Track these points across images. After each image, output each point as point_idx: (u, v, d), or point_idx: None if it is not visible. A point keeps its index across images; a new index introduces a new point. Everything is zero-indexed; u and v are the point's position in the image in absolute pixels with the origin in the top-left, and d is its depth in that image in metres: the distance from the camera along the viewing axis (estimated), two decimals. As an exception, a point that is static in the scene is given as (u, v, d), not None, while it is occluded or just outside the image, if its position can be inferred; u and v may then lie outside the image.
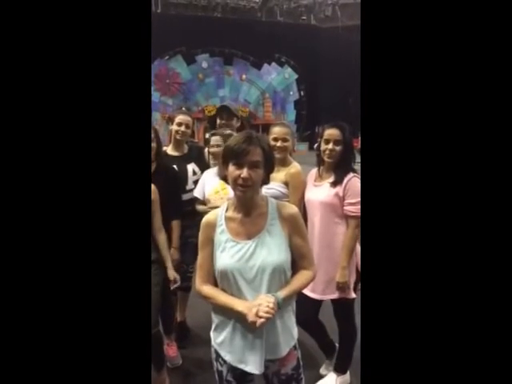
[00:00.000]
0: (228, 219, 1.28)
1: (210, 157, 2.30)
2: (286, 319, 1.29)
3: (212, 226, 1.29)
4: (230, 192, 2.13)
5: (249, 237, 1.24)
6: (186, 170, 2.41)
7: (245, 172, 1.18)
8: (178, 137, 2.40)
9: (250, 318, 1.13)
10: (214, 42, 13.40)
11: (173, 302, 2.44)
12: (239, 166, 1.19)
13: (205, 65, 13.93)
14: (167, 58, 12.76)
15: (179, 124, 2.39)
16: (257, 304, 1.15)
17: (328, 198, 1.88)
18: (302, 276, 1.29)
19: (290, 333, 1.30)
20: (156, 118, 11.18)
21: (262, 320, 1.12)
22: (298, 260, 1.29)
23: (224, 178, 1.29)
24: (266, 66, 15.15)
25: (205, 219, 1.32)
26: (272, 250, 1.22)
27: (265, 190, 1.80)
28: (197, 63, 14.22)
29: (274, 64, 15.27)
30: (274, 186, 2.04)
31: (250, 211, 1.27)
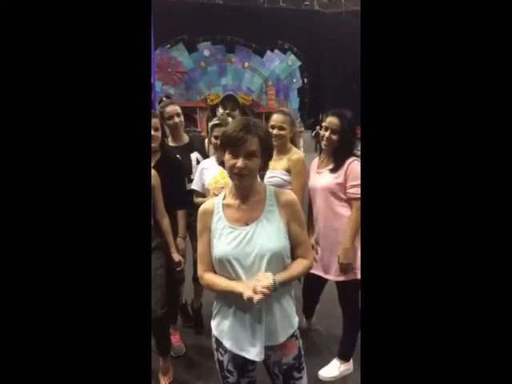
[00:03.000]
0: (225, 206, 1.28)
1: (212, 147, 2.25)
2: (286, 307, 1.28)
3: (209, 214, 1.28)
4: (229, 180, 2.12)
5: (246, 223, 1.23)
6: (189, 160, 2.39)
7: (240, 162, 1.17)
8: (174, 129, 2.37)
9: (247, 294, 1.12)
10: (215, 30, 13.23)
11: (178, 290, 2.45)
12: (235, 155, 1.18)
13: (207, 53, 13.79)
14: (169, 46, 12.64)
15: (170, 117, 2.34)
16: (255, 280, 1.15)
17: (329, 183, 1.90)
18: (299, 264, 1.28)
19: (289, 320, 1.29)
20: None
21: (260, 296, 1.11)
22: (295, 248, 1.28)
23: (222, 164, 1.29)
24: (268, 53, 14.98)
25: (202, 207, 1.32)
26: (271, 237, 1.21)
27: (267, 179, 1.79)
28: (198, 51, 14.07)
29: (276, 51, 15.09)
30: (277, 174, 2.04)
31: (247, 198, 1.26)
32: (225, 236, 1.23)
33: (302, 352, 1.35)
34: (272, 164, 1.94)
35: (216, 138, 2.11)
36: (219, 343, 1.31)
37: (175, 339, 2.37)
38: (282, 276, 1.20)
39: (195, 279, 2.52)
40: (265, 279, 1.15)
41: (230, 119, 2.24)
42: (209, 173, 2.17)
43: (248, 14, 13.66)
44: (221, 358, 1.33)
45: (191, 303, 2.68)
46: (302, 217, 1.31)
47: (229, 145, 1.19)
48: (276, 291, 1.18)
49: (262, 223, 1.23)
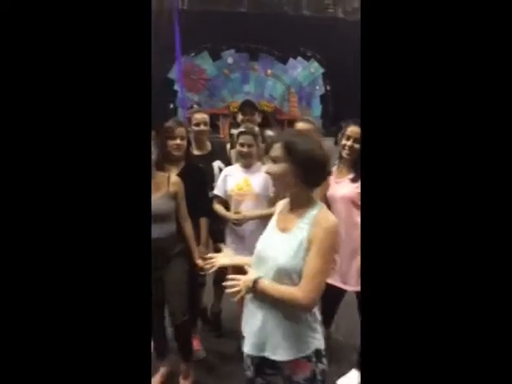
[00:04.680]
0: (282, 210, 1.36)
1: (238, 155, 2.26)
2: (295, 330, 1.25)
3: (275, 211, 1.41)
4: (253, 188, 2.15)
5: (282, 230, 1.28)
6: (211, 169, 2.44)
7: (267, 167, 1.28)
8: (199, 136, 2.42)
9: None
10: (239, 38, 13.38)
11: (199, 294, 2.49)
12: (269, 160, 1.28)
13: (230, 60, 13.95)
14: (193, 54, 12.89)
15: (197, 124, 2.40)
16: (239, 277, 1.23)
17: (350, 193, 1.90)
18: (288, 290, 1.19)
19: (298, 343, 1.25)
20: (180, 114, 11.32)
21: (231, 285, 1.22)
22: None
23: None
24: (291, 60, 14.97)
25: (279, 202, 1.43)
26: (287, 252, 1.21)
27: None
28: (222, 59, 14.27)
29: (299, 58, 15.06)
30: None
31: (293, 208, 1.30)
32: (267, 233, 1.33)
33: (319, 378, 1.29)
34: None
35: (242, 145, 2.15)
36: (242, 335, 1.38)
37: (195, 343, 2.42)
38: (263, 283, 1.21)
39: (216, 283, 2.56)
40: (250, 275, 1.25)
41: (256, 128, 2.28)
42: (232, 179, 2.21)
43: (272, 22, 13.74)
44: (243, 349, 1.38)
45: (211, 307, 2.71)
46: (328, 248, 1.19)
47: (266, 151, 1.31)
48: (251, 291, 1.23)
49: (290, 236, 1.24)
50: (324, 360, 1.30)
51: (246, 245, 2.10)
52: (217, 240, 2.31)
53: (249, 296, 1.31)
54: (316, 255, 1.17)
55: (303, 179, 1.23)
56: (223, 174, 2.27)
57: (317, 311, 1.30)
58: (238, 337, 1.42)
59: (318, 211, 1.25)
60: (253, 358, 1.35)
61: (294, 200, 1.30)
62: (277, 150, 1.23)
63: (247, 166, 2.20)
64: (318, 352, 1.28)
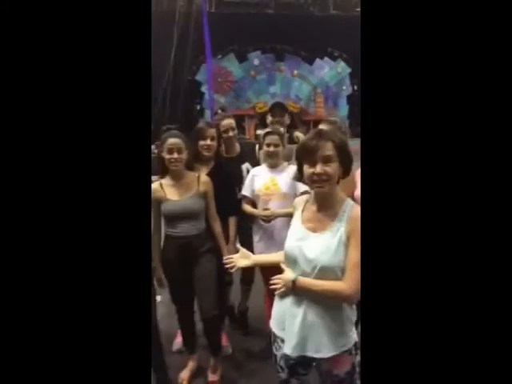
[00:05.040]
0: (306, 208, 1.35)
1: (265, 155, 2.29)
2: (335, 324, 1.27)
3: (295, 209, 1.41)
4: (280, 187, 2.18)
5: (314, 230, 1.28)
6: (240, 171, 2.47)
7: (318, 168, 1.20)
8: (227, 141, 2.45)
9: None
10: (266, 39, 13.42)
11: (226, 292, 2.55)
12: (312, 162, 1.21)
13: (256, 62, 14.00)
14: (220, 57, 13.01)
15: (225, 131, 2.40)
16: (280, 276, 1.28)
17: None
18: (330, 283, 1.22)
19: (338, 338, 1.27)
20: (206, 116, 11.47)
21: (276, 285, 1.28)
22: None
23: (300, 180, 1.34)
24: (318, 60, 14.89)
25: (295, 201, 1.45)
26: (328, 250, 1.23)
27: (303, 186, 1.84)
28: (249, 61, 14.35)
29: (326, 58, 14.97)
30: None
31: (323, 207, 1.29)
32: (295, 233, 1.32)
33: (358, 369, 1.32)
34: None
35: (268, 145, 2.19)
36: (275, 337, 1.39)
37: (223, 340, 2.46)
38: (303, 281, 1.24)
39: (243, 281, 2.61)
40: (287, 274, 1.28)
41: (282, 128, 2.31)
42: (259, 179, 2.24)
43: (298, 23, 13.72)
44: (275, 352, 1.40)
45: (238, 305, 2.76)
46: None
47: (305, 154, 1.24)
48: (293, 289, 1.26)
49: (326, 235, 1.25)
50: (359, 351, 1.31)
51: (275, 241, 2.14)
52: (245, 239, 2.35)
53: (284, 298, 1.33)
54: (356, 248, 1.19)
55: (342, 177, 1.26)
56: (251, 174, 2.31)
57: (345, 310, 1.30)
58: (264, 334, 1.46)
59: (350, 207, 1.27)
60: (287, 359, 1.36)
61: (325, 198, 1.28)
62: (328, 149, 1.21)
63: (274, 166, 2.23)
64: (355, 344, 1.31)
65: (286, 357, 1.35)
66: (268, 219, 2.15)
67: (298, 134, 2.34)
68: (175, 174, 2.02)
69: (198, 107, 12.77)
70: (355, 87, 16.56)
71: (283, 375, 1.41)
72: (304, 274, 1.26)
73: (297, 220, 1.36)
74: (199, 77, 12.52)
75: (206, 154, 2.17)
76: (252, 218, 2.29)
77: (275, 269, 1.90)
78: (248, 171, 2.43)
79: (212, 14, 11.43)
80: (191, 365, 2.24)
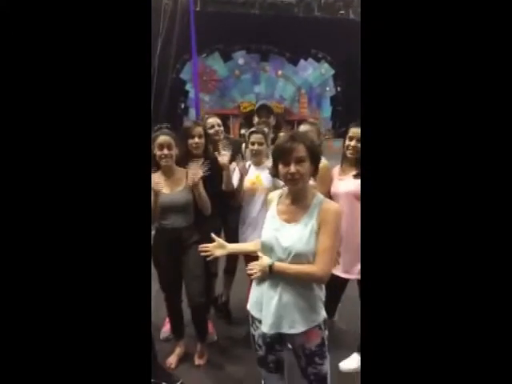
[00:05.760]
0: (280, 202, 1.51)
1: (249, 153, 2.44)
2: (307, 302, 1.44)
3: (269, 202, 1.57)
4: (264, 183, 2.33)
5: (288, 221, 1.44)
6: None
7: (292, 168, 1.36)
8: (214, 138, 2.60)
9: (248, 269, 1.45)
10: (251, 39, 13.47)
11: (212, 284, 2.68)
12: (287, 162, 1.37)
13: (241, 61, 14.04)
14: (205, 55, 12.93)
15: (211, 126, 2.60)
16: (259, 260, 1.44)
17: (352, 188, 2.04)
18: (304, 267, 1.38)
19: (310, 314, 1.44)
20: (192, 115, 11.47)
21: (253, 271, 1.43)
22: (315, 253, 1.38)
23: (275, 176, 1.48)
24: (302, 61, 15.07)
25: (270, 194, 1.61)
26: (301, 239, 1.38)
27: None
28: (233, 60, 14.31)
29: (310, 60, 15.17)
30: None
31: (296, 201, 1.45)
32: (271, 224, 1.47)
33: (326, 342, 1.50)
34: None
35: (252, 144, 2.34)
36: (253, 319, 1.53)
37: (209, 327, 2.59)
38: (279, 266, 1.40)
39: (226, 271, 2.76)
40: (264, 261, 1.42)
41: (265, 128, 2.45)
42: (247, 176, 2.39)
43: (283, 24, 13.83)
44: (253, 332, 1.55)
45: (220, 295, 2.90)
46: (335, 229, 1.40)
47: (280, 155, 1.39)
48: (270, 274, 1.40)
49: (299, 225, 1.41)
50: (327, 327, 1.51)
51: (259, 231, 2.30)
52: (232, 232, 2.51)
53: (261, 283, 1.48)
54: (326, 236, 1.38)
55: (312, 175, 1.43)
56: (236, 170, 2.45)
57: (314, 289, 1.47)
58: (247, 323, 1.61)
59: (321, 201, 1.44)
60: (265, 337, 1.52)
61: (298, 193, 1.44)
62: (301, 151, 1.37)
63: (258, 164, 2.38)
64: (324, 320, 1.49)
65: (263, 335, 1.51)
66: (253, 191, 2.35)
67: (283, 135, 2.51)
68: (166, 169, 2.15)
69: (183, 105, 12.76)
70: (338, 88, 16.83)
71: (261, 352, 1.57)
72: (279, 261, 1.41)
73: (272, 212, 1.51)
74: (184, 75, 12.45)
75: (195, 151, 2.29)
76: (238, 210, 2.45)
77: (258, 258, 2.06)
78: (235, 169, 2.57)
79: (197, 12, 11.42)
80: (178, 350, 2.37)
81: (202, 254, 1.62)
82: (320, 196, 1.46)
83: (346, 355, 2.33)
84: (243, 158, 2.62)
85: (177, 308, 2.33)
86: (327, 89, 16.63)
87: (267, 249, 1.45)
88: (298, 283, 1.42)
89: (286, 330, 1.43)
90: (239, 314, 2.80)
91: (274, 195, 1.57)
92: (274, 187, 2.30)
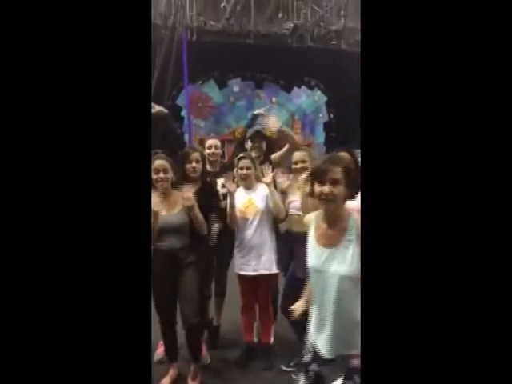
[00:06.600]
0: (317, 226, 1.53)
1: (239, 178, 2.53)
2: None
3: (307, 226, 1.58)
4: (257, 206, 2.41)
5: (327, 246, 1.46)
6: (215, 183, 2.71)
7: (326, 188, 1.40)
8: (211, 159, 2.73)
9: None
10: (245, 67, 13.80)
11: (206, 306, 2.72)
12: (322, 182, 1.41)
13: (236, 89, 14.32)
14: (200, 83, 13.26)
15: (209, 147, 2.74)
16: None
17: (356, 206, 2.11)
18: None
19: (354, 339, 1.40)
20: (186, 139, 11.61)
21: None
22: None
23: (311, 195, 1.51)
24: (295, 89, 15.36)
25: (306, 217, 1.62)
26: (344, 261, 1.40)
27: (288, 203, 2.07)
28: (229, 87, 14.65)
29: (303, 87, 15.49)
30: (298, 199, 2.33)
31: (333, 224, 1.47)
32: (311, 251, 1.51)
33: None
34: (294, 190, 2.24)
35: (241, 169, 2.45)
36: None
37: (202, 349, 2.60)
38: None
39: (216, 294, 2.81)
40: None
41: (254, 153, 2.57)
42: (238, 200, 2.50)
43: (277, 53, 14.21)
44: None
45: (211, 319, 2.91)
46: None
47: (317, 175, 1.44)
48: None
49: (340, 249, 1.43)
50: None
51: (250, 245, 2.44)
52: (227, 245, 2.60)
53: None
54: None
55: (348, 198, 1.44)
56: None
57: None
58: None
59: (353, 218, 1.44)
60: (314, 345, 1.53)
61: (333, 215, 1.46)
62: (337, 173, 1.40)
63: (249, 187, 2.49)
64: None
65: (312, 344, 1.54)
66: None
67: (264, 168, 2.60)
68: (162, 192, 2.22)
69: (179, 131, 12.93)
70: (331, 115, 17.19)
71: (307, 358, 1.58)
72: (327, 286, 1.43)
73: (312, 239, 1.53)
74: (179, 101, 12.72)
75: (192, 175, 2.39)
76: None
77: (254, 281, 2.12)
78: (223, 185, 2.63)
79: (193, 42, 11.76)
80: (172, 372, 2.38)
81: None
82: (354, 214, 1.47)
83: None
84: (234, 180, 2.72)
85: (171, 330, 2.36)
86: (320, 115, 16.95)
87: (314, 275, 1.49)
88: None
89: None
90: (232, 336, 2.82)
91: (310, 219, 1.59)
92: (266, 207, 2.40)
